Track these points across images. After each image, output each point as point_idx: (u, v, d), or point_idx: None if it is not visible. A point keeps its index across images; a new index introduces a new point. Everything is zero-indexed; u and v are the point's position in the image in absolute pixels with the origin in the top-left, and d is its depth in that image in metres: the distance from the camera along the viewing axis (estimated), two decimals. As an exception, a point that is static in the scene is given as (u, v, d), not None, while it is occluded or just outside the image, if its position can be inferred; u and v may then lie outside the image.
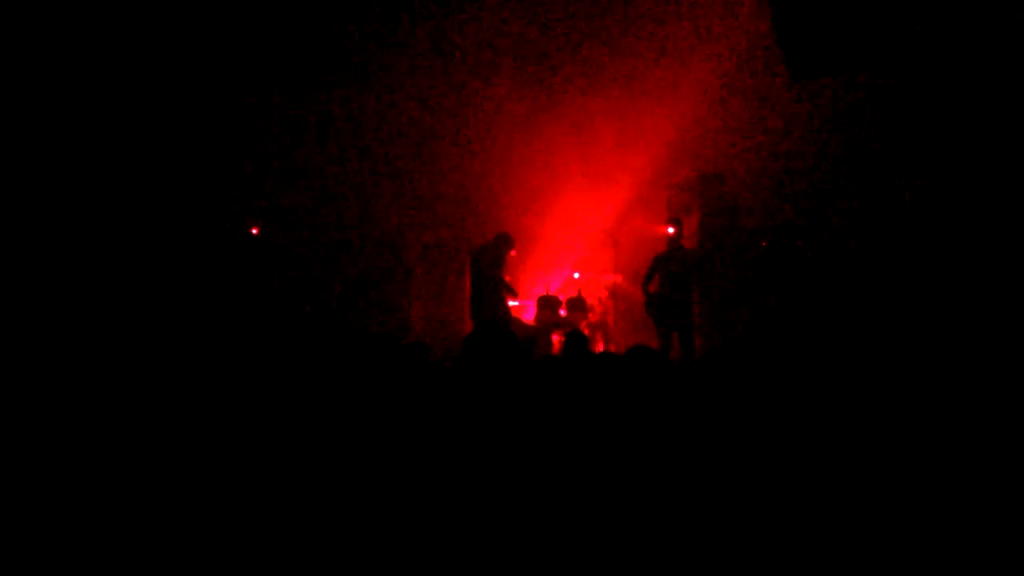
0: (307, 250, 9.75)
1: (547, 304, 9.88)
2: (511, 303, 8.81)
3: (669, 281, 7.79)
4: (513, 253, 8.53)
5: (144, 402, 3.20)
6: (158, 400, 3.23)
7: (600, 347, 10.44)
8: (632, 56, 9.65)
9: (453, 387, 2.96)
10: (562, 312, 10.02)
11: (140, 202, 7.49)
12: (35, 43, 6.39)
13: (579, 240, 11.89)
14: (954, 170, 5.97)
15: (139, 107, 7.40)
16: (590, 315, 10.56)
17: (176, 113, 7.84)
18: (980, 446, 2.56)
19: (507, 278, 8.58)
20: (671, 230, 7.99)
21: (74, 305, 6.08)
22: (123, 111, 7.26)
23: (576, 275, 11.58)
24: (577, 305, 10.26)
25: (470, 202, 11.14)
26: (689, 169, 9.72)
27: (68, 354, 4.21)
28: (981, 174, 5.73)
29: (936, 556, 2.12)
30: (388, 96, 9.84)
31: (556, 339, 9.77)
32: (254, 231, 9.43)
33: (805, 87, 7.18)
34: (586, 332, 9.94)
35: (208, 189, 8.59)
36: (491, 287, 8.18)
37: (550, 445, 2.56)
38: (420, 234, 10.99)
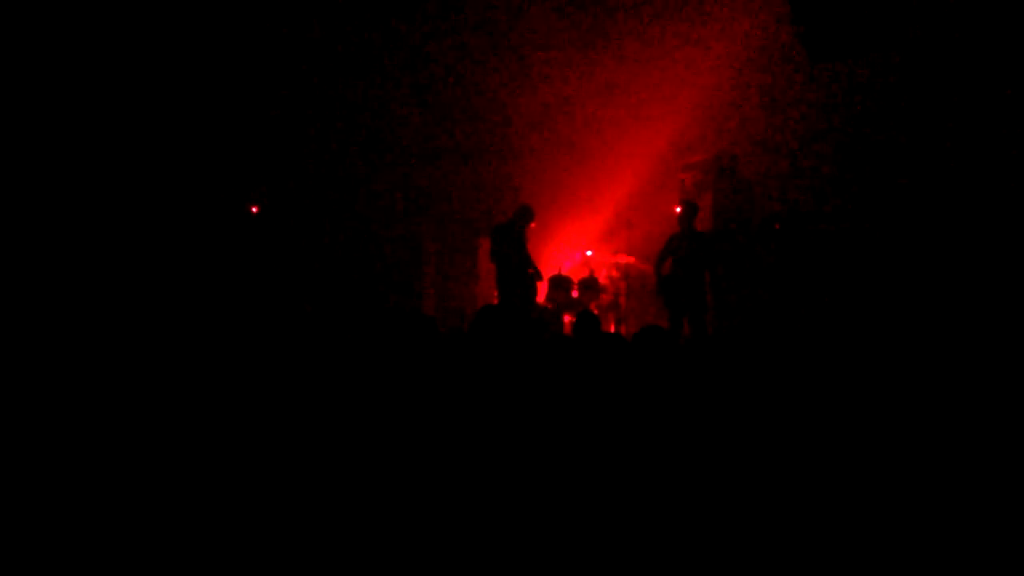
0: (320, 232, 9.75)
1: (559, 284, 9.87)
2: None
3: (681, 263, 7.77)
4: (533, 225, 8.52)
5: (157, 380, 3.24)
6: (171, 379, 3.27)
7: (612, 328, 10.43)
8: (649, 36, 9.58)
9: (460, 366, 2.98)
10: (574, 293, 10.02)
11: (156, 189, 7.51)
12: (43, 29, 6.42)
13: (592, 221, 11.85)
14: (974, 153, 5.89)
15: (151, 95, 7.40)
16: (602, 296, 10.54)
17: (189, 96, 7.83)
18: (981, 427, 2.57)
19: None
20: (678, 209, 7.98)
21: (80, 292, 6.10)
22: (134, 99, 7.25)
23: (589, 253, 11.55)
24: (589, 285, 10.25)
25: (483, 183, 11.13)
26: (703, 150, 9.66)
27: (72, 343, 4.20)
28: (1002, 157, 5.65)
29: (939, 539, 2.13)
30: (399, 76, 9.80)
31: (567, 319, 9.78)
32: (254, 210, 9.36)
33: (823, 69, 7.10)
34: (597, 313, 9.93)
35: (216, 169, 8.58)
36: (517, 264, 8.13)
37: (558, 424, 2.58)
38: (433, 216, 10.99)
